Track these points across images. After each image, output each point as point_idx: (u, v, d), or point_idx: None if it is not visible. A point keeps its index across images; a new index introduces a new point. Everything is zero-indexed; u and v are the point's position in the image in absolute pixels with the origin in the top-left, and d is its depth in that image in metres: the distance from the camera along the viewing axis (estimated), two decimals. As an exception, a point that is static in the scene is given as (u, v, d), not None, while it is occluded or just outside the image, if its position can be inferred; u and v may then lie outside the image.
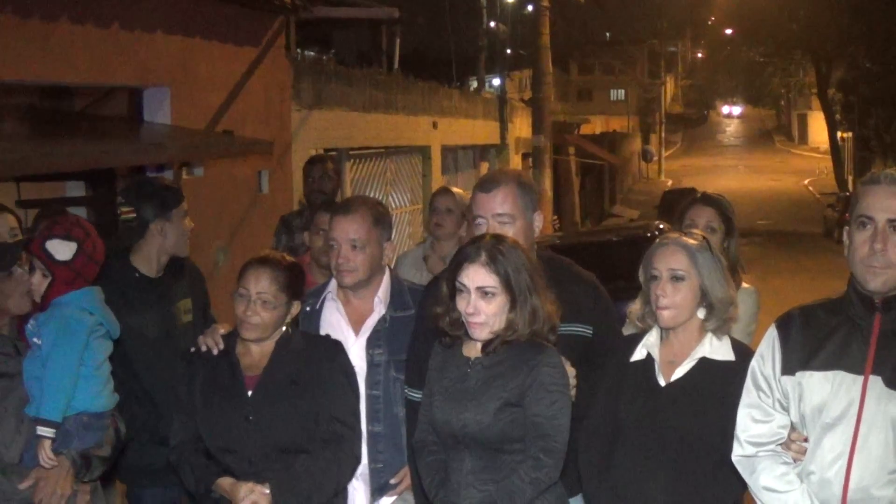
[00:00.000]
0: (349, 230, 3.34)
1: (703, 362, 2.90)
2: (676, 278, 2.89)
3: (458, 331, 2.88)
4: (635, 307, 3.02)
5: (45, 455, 3.00)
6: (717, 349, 2.91)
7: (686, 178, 41.37)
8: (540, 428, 2.74)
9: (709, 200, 3.85)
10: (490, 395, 2.78)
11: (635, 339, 3.02)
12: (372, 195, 11.33)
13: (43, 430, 3.00)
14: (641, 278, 3.00)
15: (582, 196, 26.62)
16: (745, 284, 3.78)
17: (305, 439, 3.12)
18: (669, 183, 41.06)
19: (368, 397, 3.34)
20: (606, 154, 29.88)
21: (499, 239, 2.85)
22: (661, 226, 10.79)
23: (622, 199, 36.07)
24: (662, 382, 2.90)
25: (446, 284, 2.88)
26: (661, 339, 2.97)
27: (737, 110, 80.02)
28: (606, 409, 2.96)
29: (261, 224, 7.96)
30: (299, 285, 3.25)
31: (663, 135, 51.10)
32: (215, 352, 3.21)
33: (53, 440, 3.02)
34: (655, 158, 46.55)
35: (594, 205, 28.98)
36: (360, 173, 11.67)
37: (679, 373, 2.90)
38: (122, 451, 3.35)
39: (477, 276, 2.78)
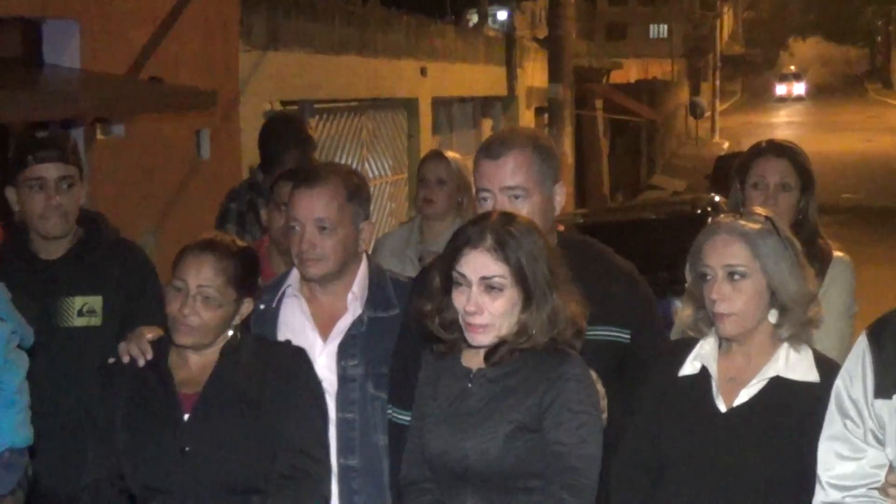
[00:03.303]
0: (315, 207, 3.33)
1: (777, 382, 2.89)
2: (735, 276, 2.89)
3: (452, 334, 2.89)
4: (685, 313, 3.03)
5: None
6: (795, 365, 2.90)
7: (746, 139, 41.30)
8: (563, 459, 2.75)
9: (779, 149, 3.86)
10: (498, 418, 2.79)
11: (685, 347, 3.02)
12: (343, 161, 11.32)
13: None
14: (689, 276, 3.00)
15: (612, 162, 26.61)
16: (836, 252, 3.80)
17: (259, 476, 3.12)
18: (725, 145, 41.03)
19: (340, 421, 3.35)
20: (644, 108, 29.83)
21: (508, 218, 2.86)
22: (717, 199, 10.81)
23: (664, 165, 36.08)
24: (722, 407, 2.90)
25: (439, 275, 2.88)
26: (720, 348, 2.97)
27: (799, 87, 69.24)
28: (647, 437, 2.97)
29: (200, 198, 7.95)
30: (252, 278, 3.25)
31: (718, 83, 51.05)
32: (141, 363, 3.20)
33: None
34: (707, 114, 46.55)
35: (628, 173, 28.96)
36: (328, 133, 11.66)
37: (744, 396, 2.89)
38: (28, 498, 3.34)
39: (480, 264, 2.79)
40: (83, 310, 3.75)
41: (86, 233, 3.86)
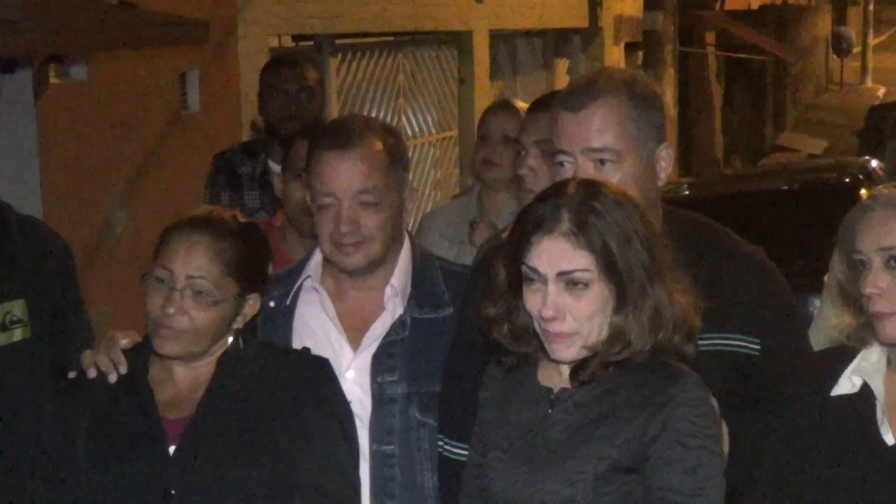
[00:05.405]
0: (358, 176, 3.36)
1: None
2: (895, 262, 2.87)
3: (528, 346, 2.89)
4: (839, 321, 3.00)
5: None
6: None
7: (908, 84, 41.14)
8: (673, 510, 2.76)
9: None
10: (587, 454, 2.79)
11: (840, 358, 3.01)
12: (375, 115, 11.32)
13: None
14: (837, 267, 2.99)
15: (727, 115, 26.52)
16: None
17: (267, 527, 3.15)
18: (881, 92, 40.80)
19: (376, 455, 3.38)
20: (770, 43, 29.72)
21: (591, 188, 2.85)
22: (872, 164, 10.73)
23: (797, 119, 35.96)
24: (890, 439, 2.89)
25: (505, 269, 2.89)
26: (889, 362, 2.95)
27: None
28: (788, 478, 2.96)
29: (186, 162, 7.98)
30: (259, 267, 3.27)
31: (871, 8, 50.66)
32: (113, 378, 3.23)
33: None
34: (856, 50, 46.24)
35: (749, 130, 28.88)
36: (353, 77, 11.67)
37: None
38: None
39: (557, 254, 2.79)
40: (6, 322, 3.68)
41: None
